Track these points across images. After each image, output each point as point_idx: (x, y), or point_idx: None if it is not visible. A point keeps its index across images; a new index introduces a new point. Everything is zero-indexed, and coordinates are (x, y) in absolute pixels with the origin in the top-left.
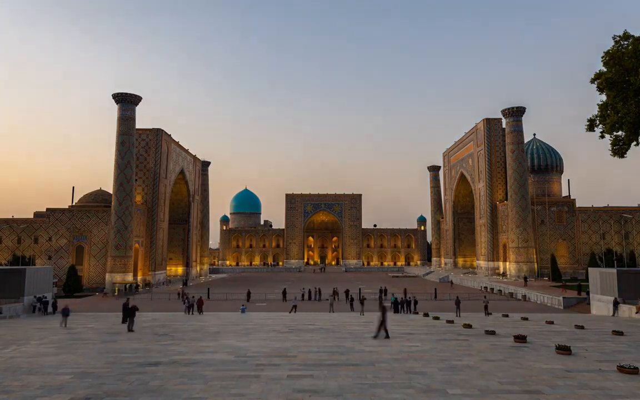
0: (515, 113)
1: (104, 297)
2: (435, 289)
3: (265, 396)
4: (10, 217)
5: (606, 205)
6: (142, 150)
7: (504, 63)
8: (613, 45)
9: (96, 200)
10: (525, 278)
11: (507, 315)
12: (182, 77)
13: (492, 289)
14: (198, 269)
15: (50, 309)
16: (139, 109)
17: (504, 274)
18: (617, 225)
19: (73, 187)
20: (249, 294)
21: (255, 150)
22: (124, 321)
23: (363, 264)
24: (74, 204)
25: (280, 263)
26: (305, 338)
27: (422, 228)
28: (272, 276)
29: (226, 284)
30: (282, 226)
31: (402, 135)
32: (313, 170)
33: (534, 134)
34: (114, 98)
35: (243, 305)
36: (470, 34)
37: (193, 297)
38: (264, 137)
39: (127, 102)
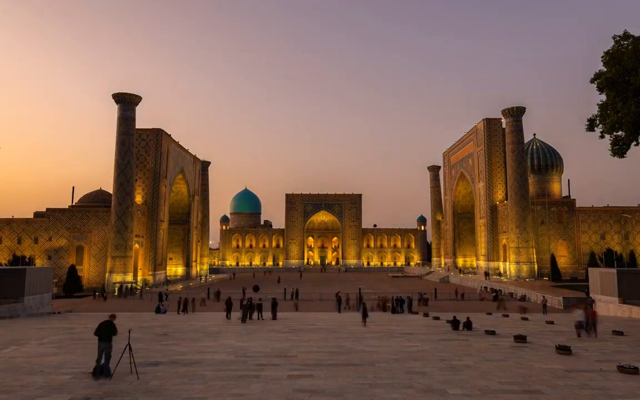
0: (515, 113)
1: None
2: (435, 289)
3: (265, 396)
4: (10, 217)
5: (606, 205)
6: (142, 150)
7: (504, 63)
8: (613, 45)
9: (96, 200)
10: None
11: (507, 315)
12: (182, 77)
13: (492, 289)
14: (198, 268)
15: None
16: (139, 109)
17: (503, 274)
18: (617, 225)
19: (73, 187)
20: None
21: (255, 151)
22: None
23: (363, 264)
24: (74, 204)
25: (280, 263)
26: (305, 338)
27: (422, 228)
28: (273, 276)
29: (226, 284)
30: (282, 226)
31: (402, 135)
32: (313, 170)
33: (534, 134)
34: (113, 98)
35: None
36: (471, 34)
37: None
38: (264, 137)
39: (127, 102)
